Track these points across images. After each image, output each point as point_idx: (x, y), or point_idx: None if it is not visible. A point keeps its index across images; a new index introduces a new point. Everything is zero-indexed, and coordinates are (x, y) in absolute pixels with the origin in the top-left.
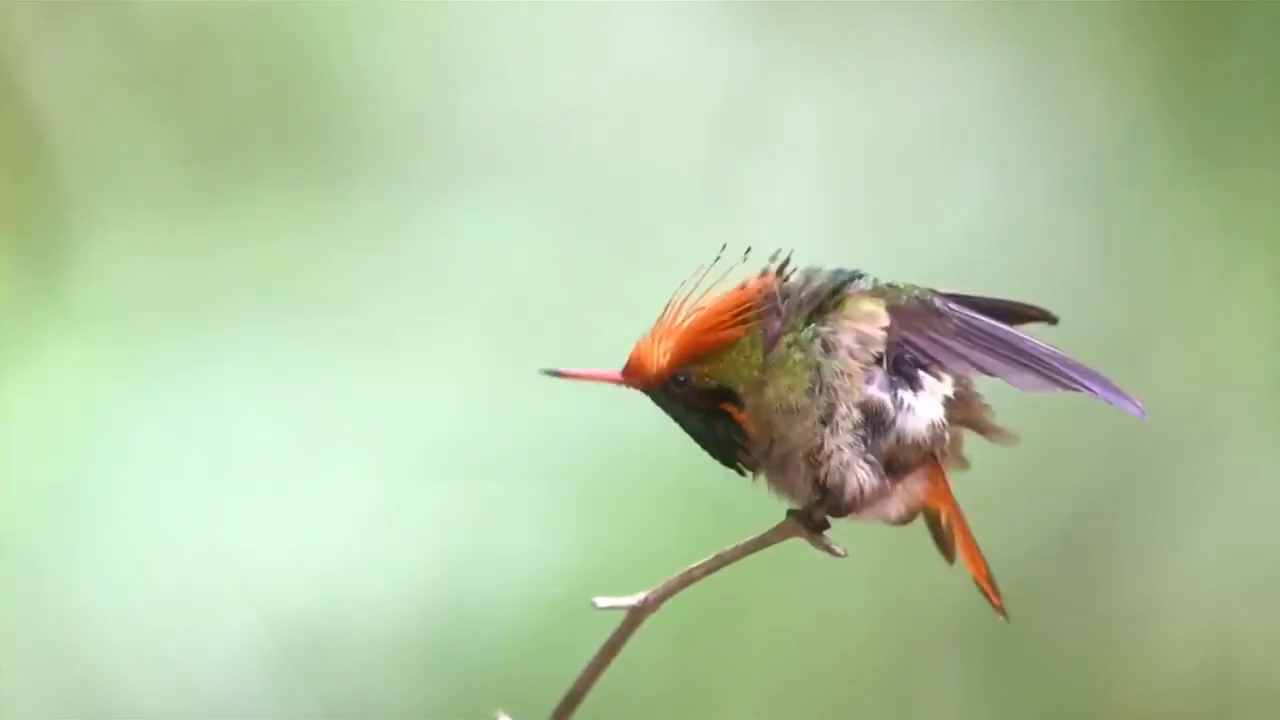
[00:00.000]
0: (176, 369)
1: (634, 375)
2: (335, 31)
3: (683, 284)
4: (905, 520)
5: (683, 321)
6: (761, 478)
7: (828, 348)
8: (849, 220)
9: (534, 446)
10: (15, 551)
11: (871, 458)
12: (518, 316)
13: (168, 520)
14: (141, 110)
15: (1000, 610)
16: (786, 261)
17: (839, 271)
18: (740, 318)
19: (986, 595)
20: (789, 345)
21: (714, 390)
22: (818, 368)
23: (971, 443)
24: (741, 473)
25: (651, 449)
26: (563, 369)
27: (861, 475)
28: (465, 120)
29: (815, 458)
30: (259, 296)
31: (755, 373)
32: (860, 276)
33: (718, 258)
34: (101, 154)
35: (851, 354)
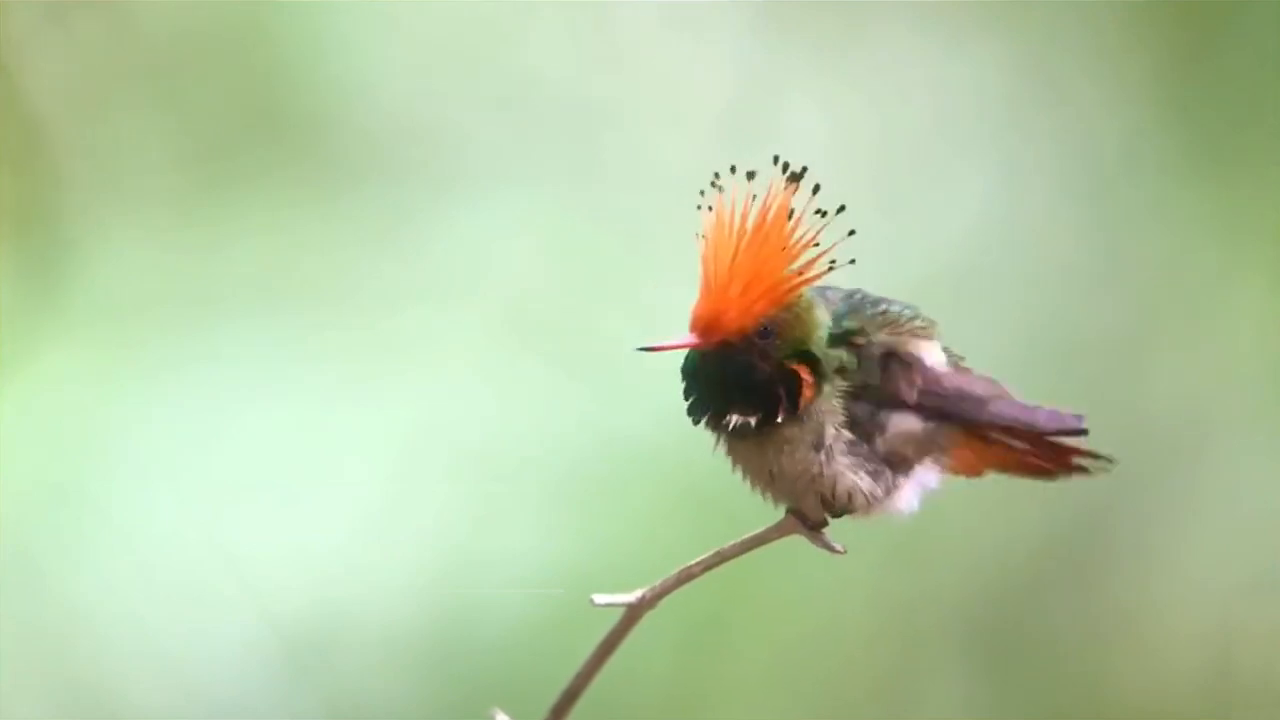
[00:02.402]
0: (176, 368)
1: (712, 333)
2: (335, 31)
3: (703, 235)
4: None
5: (755, 264)
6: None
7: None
8: (850, 220)
9: (534, 446)
10: (15, 551)
11: (871, 465)
12: (518, 316)
13: (168, 520)
14: (141, 110)
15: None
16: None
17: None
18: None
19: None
20: None
21: (793, 341)
22: None
23: None
24: (716, 429)
25: (651, 448)
26: (654, 344)
27: (865, 485)
28: (465, 120)
29: (818, 482)
30: (258, 296)
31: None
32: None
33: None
34: (101, 154)
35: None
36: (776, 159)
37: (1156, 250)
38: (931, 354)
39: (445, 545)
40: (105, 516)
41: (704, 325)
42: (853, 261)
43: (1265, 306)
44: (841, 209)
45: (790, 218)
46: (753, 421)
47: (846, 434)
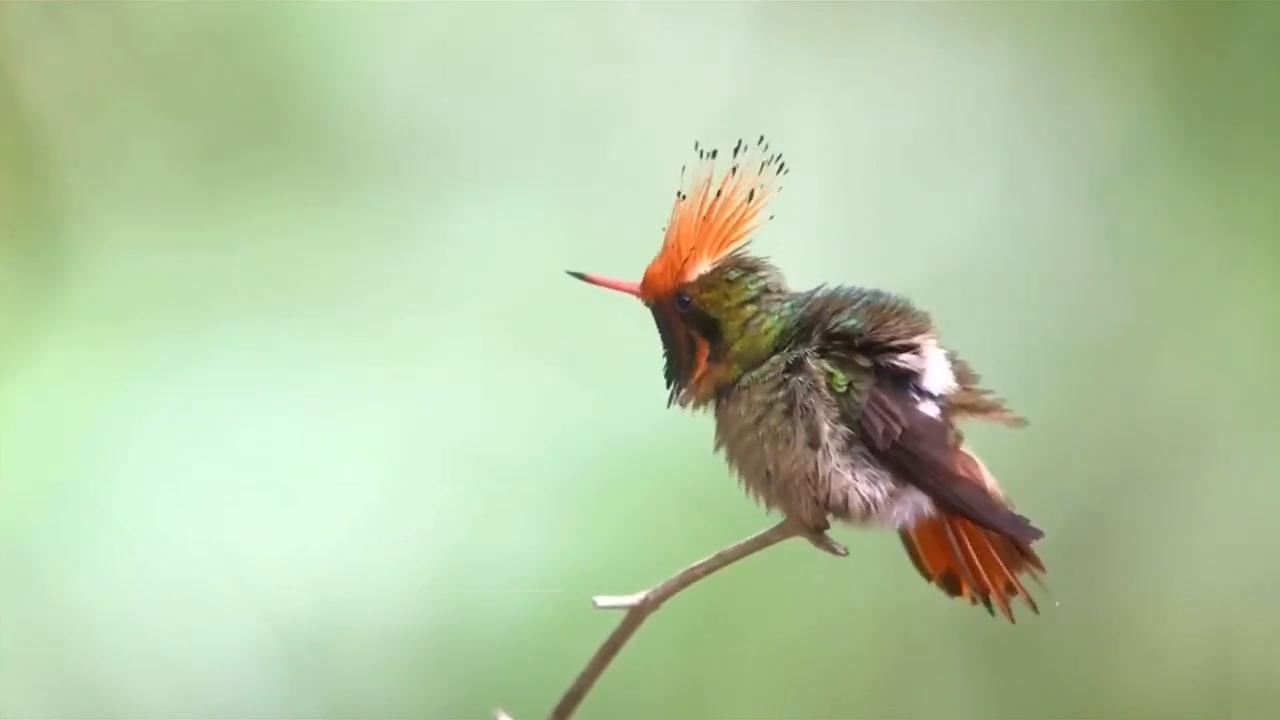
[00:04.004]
0: (176, 368)
1: (649, 289)
2: (335, 31)
3: (681, 199)
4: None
5: (695, 237)
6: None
7: (793, 368)
8: (852, 221)
9: (535, 446)
10: (15, 551)
11: (872, 470)
12: (519, 316)
13: (168, 520)
14: (140, 110)
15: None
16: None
17: (817, 303)
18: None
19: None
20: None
21: (703, 319)
22: (784, 382)
23: (974, 442)
24: (671, 401)
25: (653, 449)
26: (589, 274)
27: (863, 490)
28: (466, 120)
29: (812, 481)
30: (258, 296)
31: (738, 344)
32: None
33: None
34: (101, 154)
35: (818, 370)
36: (762, 140)
37: (1158, 250)
38: (931, 354)
39: (445, 545)
40: (105, 516)
41: (644, 279)
42: (771, 216)
43: (1266, 306)
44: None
45: (750, 199)
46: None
47: (844, 429)
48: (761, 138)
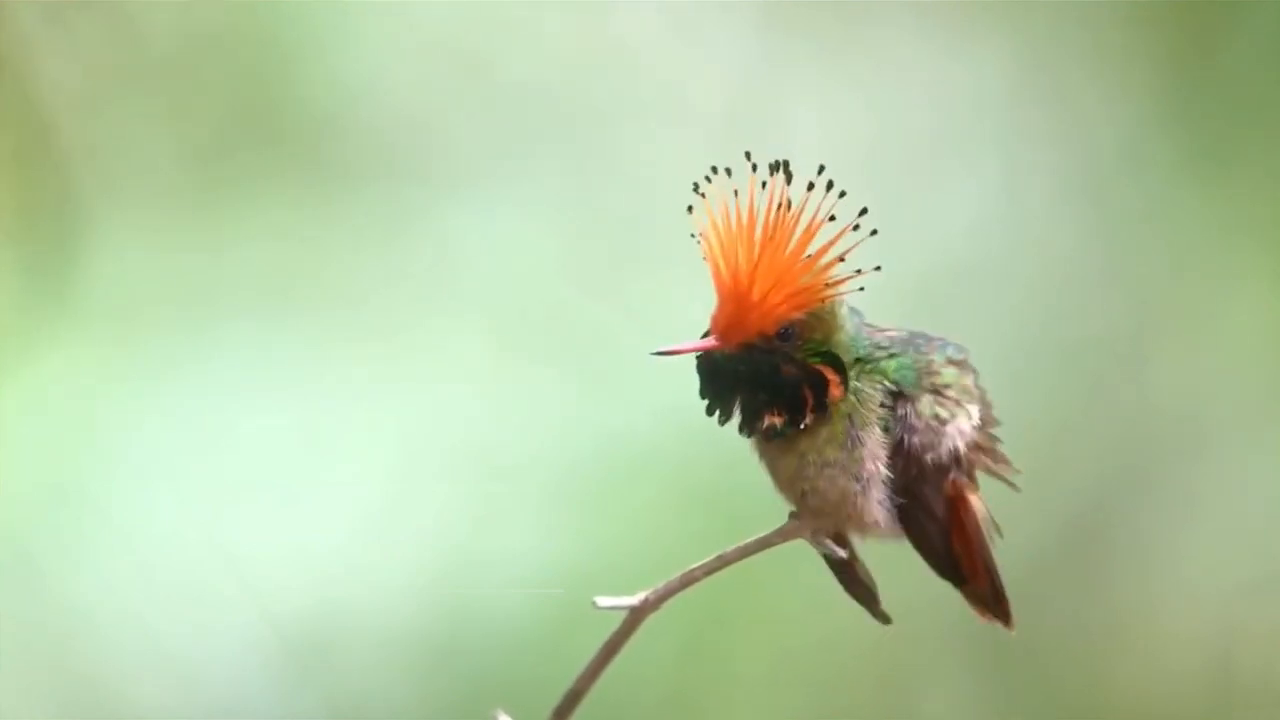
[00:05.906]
0: (177, 368)
1: (733, 335)
2: (338, 31)
3: (707, 235)
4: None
5: (775, 267)
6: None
7: (860, 398)
8: (850, 220)
9: (535, 446)
10: (15, 551)
11: (888, 496)
12: (518, 316)
13: (168, 520)
14: (143, 110)
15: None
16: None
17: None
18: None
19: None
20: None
21: (819, 350)
22: (849, 417)
23: None
24: (752, 433)
25: (652, 449)
26: (669, 348)
27: (881, 515)
28: (465, 120)
29: (847, 504)
30: (259, 296)
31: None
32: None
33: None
34: (103, 154)
35: (876, 405)
36: (777, 166)
37: (1156, 250)
38: (963, 413)
39: (445, 545)
40: (105, 516)
41: (724, 327)
42: (878, 268)
43: (1265, 306)
44: (863, 211)
45: (808, 222)
46: (778, 423)
47: (885, 471)
48: (778, 165)
